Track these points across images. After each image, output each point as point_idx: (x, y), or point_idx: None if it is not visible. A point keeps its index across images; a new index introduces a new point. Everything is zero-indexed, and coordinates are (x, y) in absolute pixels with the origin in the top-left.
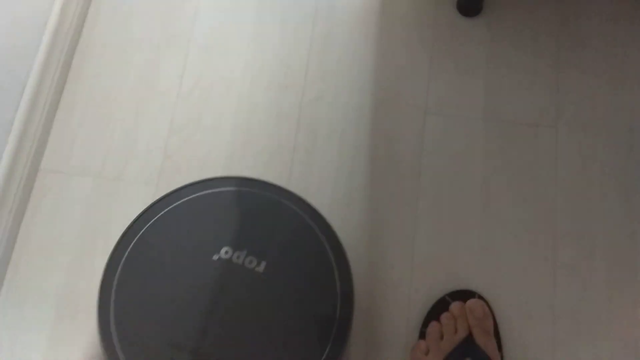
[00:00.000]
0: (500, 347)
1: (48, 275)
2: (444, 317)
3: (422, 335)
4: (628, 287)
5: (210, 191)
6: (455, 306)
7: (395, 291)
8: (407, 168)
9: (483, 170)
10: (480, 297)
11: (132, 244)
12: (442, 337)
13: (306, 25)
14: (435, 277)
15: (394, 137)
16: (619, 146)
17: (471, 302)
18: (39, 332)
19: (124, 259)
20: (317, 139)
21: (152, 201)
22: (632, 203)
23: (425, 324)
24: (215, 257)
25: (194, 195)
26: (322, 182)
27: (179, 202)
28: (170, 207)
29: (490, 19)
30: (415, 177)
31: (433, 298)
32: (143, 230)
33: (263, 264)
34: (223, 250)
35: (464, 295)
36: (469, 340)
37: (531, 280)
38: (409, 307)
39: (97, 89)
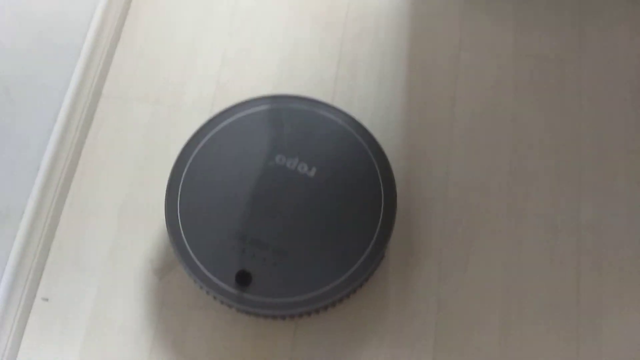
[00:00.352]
0: None
1: (109, 191)
2: None
3: None
4: None
5: (264, 107)
6: None
7: (430, 205)
8: (442, 98)
9: (513, 100)
10: None
11: (195, 150)
12: None
13: None
14: (467, 194)
15: (430, 71)
16: (638, 80)
17: None
18: (102, 241)
19: (189, 162)
20: (357, 71)
21: (213, 115)
22: None
23: None
24: (270, 163)
25: (249, 111)
26: (362, 109)
27: (236, 117)
28: (228, 121)
29: None
30: (450, 106)
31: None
32: (205, 139)
33: (314, 170)
34: (277, 157)
35: None
36: None
37: (558, 198)
38: (443, 219)
39: (154, 25)
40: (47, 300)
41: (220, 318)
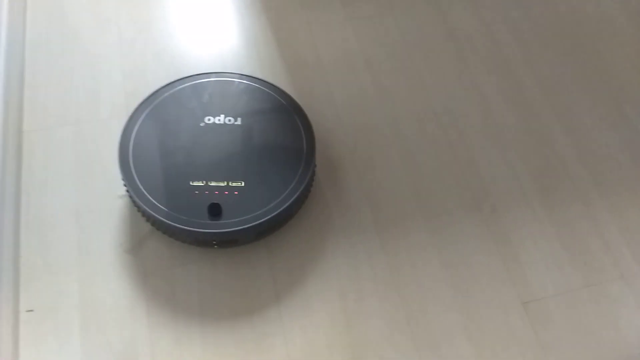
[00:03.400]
0: None
1: (59, 203)
2: None
3: None
4: None
5: (185, 85)
6: None
7: (333, 134)
8: (308, 56)
9: (359, 46)
10: None
11: (135, 128)
12: None
13: None
14: (354, 116)
15: (292, 38)
16: None
17: None
18: (67, 244)
19: (132, 140)
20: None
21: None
22: None
23: None
24: (202, 124)
25: (173, 90)
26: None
27: (163, 96)
28: (157, 100)
29: None
30: (316, 58)
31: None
32: (141, 118)
33: (239, 120)
34: (206, 118)
35: None
36: None
37: (417, 96)
38: (345, 141)
39: (55, 64)
40: (32, 311)
41: (201, 267)
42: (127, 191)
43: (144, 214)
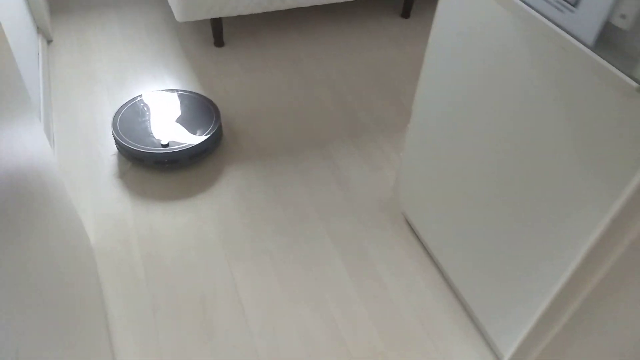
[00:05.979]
0: None
1: (78, 154)
2: None
3: None
4: None
5: (150, 95)
6: None
7: (235, 121)
8: (233, 95)
9: (265, 97)
10: None
11: (120, 113)
12: None
13: None
14: (246, 117)
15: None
16: None
17: None
18: (81, 178)
19: (119, 117)
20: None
21: (127, 100)
22: None
23: None
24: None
25: (141, 97)
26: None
27: (138, 99)
28: (134, 101)
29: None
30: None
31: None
32: (124, 109)
33: (178, 107)
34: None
35: None
36: None
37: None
38: (243, 129)
39: (79, 92)
40: None
41: (159, 179)
42: (117, 146)
43: (125, 154)
